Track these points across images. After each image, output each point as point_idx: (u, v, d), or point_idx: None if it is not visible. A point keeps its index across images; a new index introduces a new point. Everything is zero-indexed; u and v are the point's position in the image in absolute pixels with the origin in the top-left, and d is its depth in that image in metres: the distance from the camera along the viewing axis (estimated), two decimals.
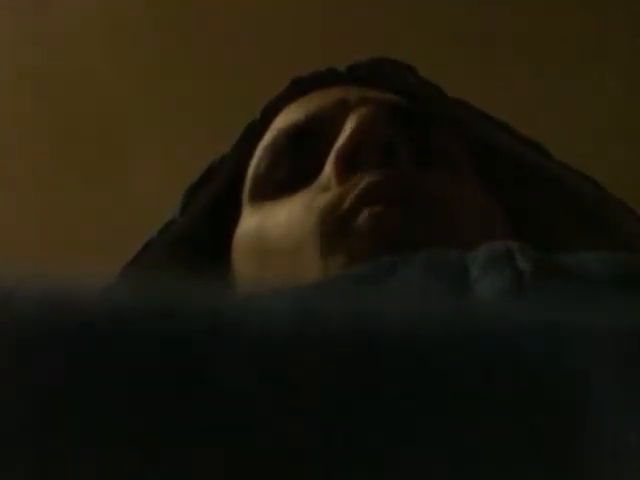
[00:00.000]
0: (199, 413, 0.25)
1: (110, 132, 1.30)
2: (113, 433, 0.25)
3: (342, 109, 0.55)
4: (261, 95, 0.62)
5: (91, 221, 1.27)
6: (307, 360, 0.26)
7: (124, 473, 0.24)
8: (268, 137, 0.58)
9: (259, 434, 0.24)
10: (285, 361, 0.26)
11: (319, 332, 0.27)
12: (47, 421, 0.25)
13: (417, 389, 0.26)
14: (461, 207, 0.52)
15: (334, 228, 0.50)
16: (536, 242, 0.58)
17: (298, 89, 0.61)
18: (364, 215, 0.49)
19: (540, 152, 0.61)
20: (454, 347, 0.27)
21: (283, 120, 0.58)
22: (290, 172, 0.55)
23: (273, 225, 0.53)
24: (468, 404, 0.26)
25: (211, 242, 0.60)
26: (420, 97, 0.60)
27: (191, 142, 1.24)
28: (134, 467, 0.24)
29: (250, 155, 0.59)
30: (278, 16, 1.28)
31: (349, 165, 0.51)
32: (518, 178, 0.61)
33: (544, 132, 0.66)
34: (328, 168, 0.53)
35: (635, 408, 0.26)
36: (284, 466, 0.24)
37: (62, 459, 0.24)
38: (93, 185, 1.29)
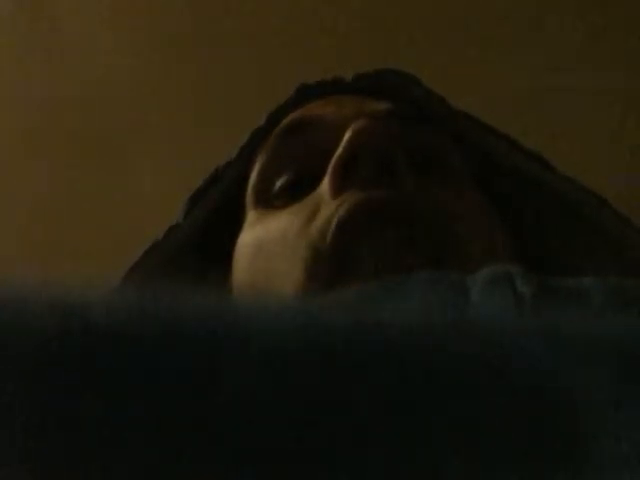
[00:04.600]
0: (203, 421, 0.25)
1: (110, 132, 1.30)
2: (115, 439, 0.25)
3: (344, 119, 0.56)
4: (264, 98, 0.62)
5: (91, 221, 1.27)
6: (309, 370, 0.26)
7: (125, 476, 0.24)
8: (270, 143, 0.59)
9: (261, 440, 0.25)
10: (287, 370, 0.26)
11: (322, 342, 0.27)
12: (54, 430, 0.25)
13: (418, 399, 0.26)
14: (460, 221, 0.52)
15: (320, 263, 0.50)
16: (535, 255, 0.59)
17: (304, 97, 0.62)
18: (349, 255, 0.49)
19: (543, 165, 0.61)
20: (454, 359, 0.27)
21: (286, 127, 0.59)
22: (290, 180, 0.56)
23: (270, 240, 0.54)
24: (468, 415, 0.26)
25: (214, 247, 0.60)
26: (424, 108, 0.60)
27: (191, 143, 1.24)
28: (136, 470, 0.24)
29: (254, 161, 0.59)
30: (282, 19, 1.28)
31: (345, 178, 0.51)
32: (519, 190, 0.61)
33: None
34: (325, 182, 0.53)
35: (632, 424, 0.26)
36: (286, 471, 0.24)
37: (73, 468, 0.25)
38: (93, 185, 1.29)
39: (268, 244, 0.54)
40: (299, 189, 0.55)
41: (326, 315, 0.29)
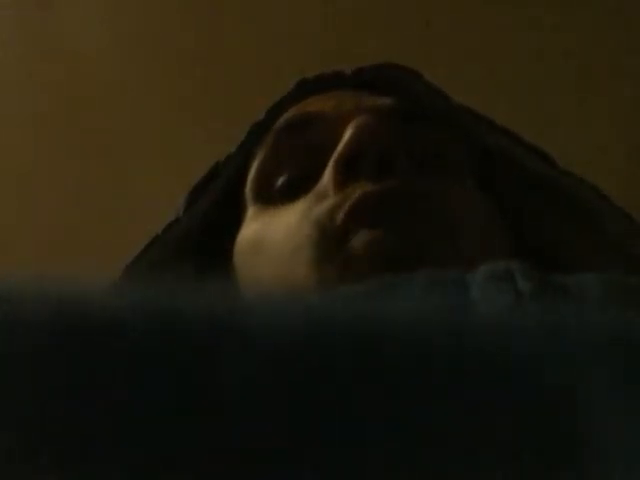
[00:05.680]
0: (201, 415, 0.25)
1: (110, 132, 1.30)
2: (115, 435, 0.25)
3: (344, 114, 0.55)
4: (263, 95, 0.62)
5: (91, 221, 1.28)
6: (310, 364, 0.26)
7: (125, 474, 0.24)
8: (269, 138, 0.58)
9: (261, 436, 0.25)
10: (288, 365, 0.26)
11: (322, 337, 0.27)
12: (48, 427, 0.25)
13: (416, 393, 0.26)
14: (461, 216, 0.52)
15: (328, 241, 0.50)
16: (535, 251, 0.59)
17: (303, 91, 0.61)
18: (360, 237, 0.49)
19: (544, 160, 0.61)
20: (453, 356, 0.27)
21: (285, 124, 0.59)
22: (290, 175, 0.56)
23: (272, 234, 0.54)
24: (466, 414, 0.26)
25: (214, 241, 0.60)
26: (424, 102, 0.60)
27: (191, 142, 1.24)
28: (135, 468, 0.24)
29: (254, 155, 0.59)
30: (282, 16, 1.28)
31: (347, 173, 0.51)
32: (520, 185, 0.61)
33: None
34: (326, 176, 0.53)
35: (633, 422, 0.26)
36: (284, 467, 0.24)
37: (73, 463, 0.25)
38: (93, 185, 1.29)
39: (271, 237, 0.54)
40: (299, 186, 0.55)
41: (327, 310, 0.29)
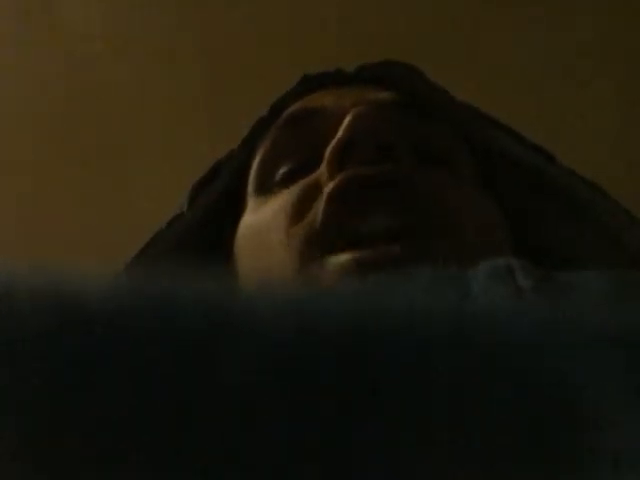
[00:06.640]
0: (201, 411, 0.25)
1: (110, 132, 1.30)
2: (114, 432, 0.25)
3: (344, 108, 0.56)
4: (263, 94, 0.62)
5: (91, 221, 1.28)
6: (309, 356, 0.26)
7: (125, 472, 0.24)
8: (271, 133, 0.59)
9: (259, 432, 0.25)
10: (285, 359, 0.26)
11: (321, 328, 0.27)
12: (47, 423, 0.25)
13: (416, 387, 0.26)
14: (459, 212, 0.52)
15: (313, 239, 0.50)
16: (536, 248, 0.59)
17: (306, 87, 0.62)
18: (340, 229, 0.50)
19: (546, 158, 0.61)
20: (454, 346, 0.27)
21: (287, 118, 0.59)
22: (290, 167, 0.56)
23: (266, 223, 0.54)
24: (467, 403, 0.26)
25: (217, 236, 0.60)
26: (425, 99, 0.60)
27: (191, 142, 1.24)
28: (135, 466, 0.24)
29: (257, 151, 0.59)
30: (282, 14, 1.28)
31: (342, 161, 0.52)
32: (521, 183, 0.61)
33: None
34: (323, 164, 0.53)
35: (634, 414, 0.26)
36: (285, 465, 0.24)
37: (64, 459, 0.25)
38: (93, 185, 1.29)
39: (264, 227, 0.54)
40: (298, 177, 0.55)
41: (326, 302, 0.29)
